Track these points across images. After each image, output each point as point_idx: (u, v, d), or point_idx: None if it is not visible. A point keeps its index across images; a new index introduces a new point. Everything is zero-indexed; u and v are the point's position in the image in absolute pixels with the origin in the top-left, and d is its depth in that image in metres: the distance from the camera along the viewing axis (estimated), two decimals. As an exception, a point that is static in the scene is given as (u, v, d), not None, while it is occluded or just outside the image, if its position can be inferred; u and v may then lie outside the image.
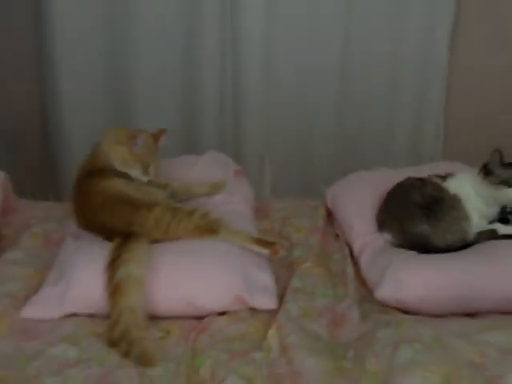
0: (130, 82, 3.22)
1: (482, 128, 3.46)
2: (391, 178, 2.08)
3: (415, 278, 1.71)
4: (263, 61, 3.21)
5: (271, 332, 1.60)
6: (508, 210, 1.92)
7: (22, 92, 3.31)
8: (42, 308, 1.68)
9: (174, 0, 3.11)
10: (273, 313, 1.70)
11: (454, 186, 1.93)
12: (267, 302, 1.73)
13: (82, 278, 1.71)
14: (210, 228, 1.84)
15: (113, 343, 1.56)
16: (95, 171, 2.00)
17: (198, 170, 2.31)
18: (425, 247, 1.83)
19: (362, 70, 3.30)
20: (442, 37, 3.26)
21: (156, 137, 2.11)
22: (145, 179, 2.03)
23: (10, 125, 3.33)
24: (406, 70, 3.32)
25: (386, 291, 1.70)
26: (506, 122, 3.48)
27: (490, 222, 1.91)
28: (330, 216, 2.26)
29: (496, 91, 3.49)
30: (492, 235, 1.86)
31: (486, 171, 1.88)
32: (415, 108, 3.41)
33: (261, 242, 1.86)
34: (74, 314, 1.68)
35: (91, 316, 1.69)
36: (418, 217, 1.87)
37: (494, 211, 1.91)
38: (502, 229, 1.87)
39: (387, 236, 1.94)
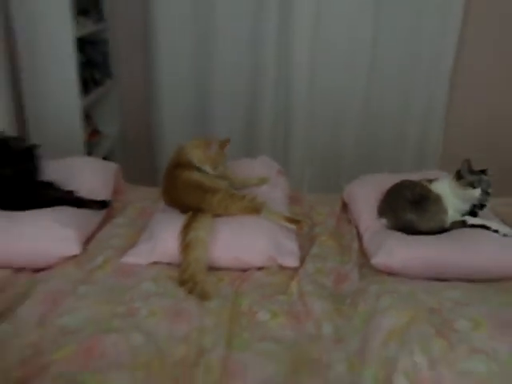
0: (209, 100, 3.29)
1: (472, 143, 3.41)
2: (392, 180, 2.08)
3: (400, 251, 1.76)
4: (307, 88, 3.24)
5: (293, 283, 1.70)
6: (476, 206, 1.93)
7: (135, 107, 3.43)
8: (136, 257, 1.80)
9: (246, 42, 3.14)
10: (295, 270, 1.79)
11: (436, 187, 1.93)
12: (292, 261, 1.82)
13: (164, 238, 1.81)
14: (255, 208, 1.92)
15: (182, 283, 1.68)
16: (179, 165, 2.08)
17: (251, 168, 2.35)
18: (411, 231, 1.87)
19: (380, 92, 3.30)
20: (444, 68, 3.24)
21: (223, 143, 2.14)
22: (212, 172, 2.09)
23: (127, 132, 3.48)
24: (413, 96, 3.31)
25: (378, 259, 1.77)
26: (492, 138, 3.49)
27: (463, 215, 1.92)
28: (345, 206, 2.26)
29: (489, 114, 3.45)
30: (462, 225, 1.89)
31: (458, 176, 1.90)
32: (420, 126, 3.39)
33: (290, 219, 1.94)
34: (157, 262, 1.80)
35: (168, 264, 1.80)
36: (408, 208, 1.90)
37: (465, 207, 1.92)
38: (471, 220, 1.90)
39: (384, 221, 1.96)
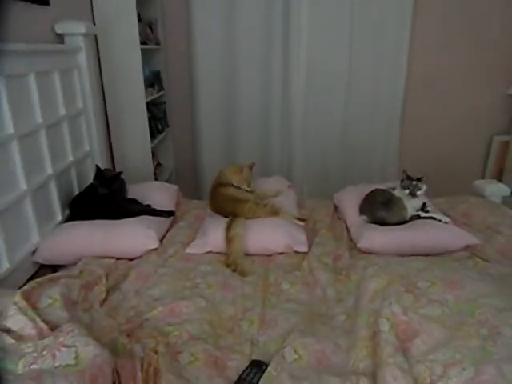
0: (234, 139, 3.33)
1: (421, 157, 3.39)
2: (367, 189, 2.11)
3: (377, 237, 1.81)
4: (303, 126, 3.26)
5: (305, 262, 1.75)
6: (424, 204, 1.98)
7: (184, 147, 3.48)
8: (195, 248, 1.84)
9: (259, 86, 3.17)
10: (305, 253, 1.82)
11: (397, 192, 1.98)
12: (303, 247, 1.85)
13: (214, 234, 1.86)
14: (274, 212, 1.96)
15: (227, 265, 1.73)
16: (220, 184, 2.14)
17: (269, 184, 2.37)
18: (383, 223, 1.91)
19: (355, 118, 3.29)
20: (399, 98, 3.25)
21: (250, 166, 2.19)
22: (248, 189, 2.13)
23: (179, 164, 3.54)
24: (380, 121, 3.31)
25: (363, 243, 1.81)
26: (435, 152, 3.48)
27: (417, 211, 1.95)
28: (336, 208, 2.28)
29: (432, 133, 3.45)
30: (417, 217, 1.93)
31: (401, 182, 1.97)
32: (383, 141, 3.37)
33: (300, 218, 1.99)
34: (210, 252, 1.84)
35: (218, 253, 1.83)
36: (380, 208, 1.94)
37: (417, 205, 1.96)
38: (422, 214, 1.94)
39: (364, 217, 2.00)
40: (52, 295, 1.24)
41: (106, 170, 2.13)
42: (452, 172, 3.48)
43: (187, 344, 1.28)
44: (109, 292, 1.54)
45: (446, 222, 1.89)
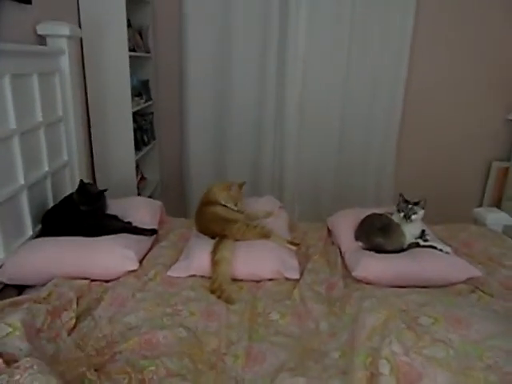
0: (225, 154, 3.26)
1: (417, 180, 3.38)
2: (362, 213, 2.03)
3: (373, 266, 1.73)
4: (296, 144, 3.23)
5: (295, 290, 1.66)
6: (423, 231, 1.93)
7: (171, 160, 3.40)
8: (178, 271, 1.75)
9: (253, 100, 3.11)
10: (297, 281, 1.74)
11: (395, 218, 1.92)
12: (294, 274, 1.76)
13: (198, 257, 1.77)
14: (265, 234, 1.89)
15: (212, 291, 1.63)
16: (208, 202, 2.07)
17: (260, 204, 2.30)
18: (380, 250, 1.83)
19: (351, 136, 3.25)
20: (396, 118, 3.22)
21: (241, 185, 2.13)
22: (235, 208, 2.06)
23: (164, 178, 3.46)
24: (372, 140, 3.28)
25: (358, 272, 1.72)
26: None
27: (416, 238, 1.89)
28: (329, 232, 2.21)
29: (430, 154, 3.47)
30: (416, 245, 1.87)
31: (396, 205, 1.93)
32: (378, 174, 3.37)
33: (291, 242, 1.92)
34: (194, 275, 1.74)
35: (202, 276, 1.74)
36: (377, 234, 1.87)
37: (416, 232, 1.90)
38: (422, 242, 1.88)
39: (360, 243, 1.92)
40: (12, 322, 1.13)
41: (87, 184, 2.04)
42: (449, 196, 3.46)
43: (164, 381, 1.19)
44: (79, 318, 1.43)
45: (447, 252, 1.84)
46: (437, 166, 3.45)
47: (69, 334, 1.33)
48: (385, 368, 1.16)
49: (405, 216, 1.88)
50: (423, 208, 1.90)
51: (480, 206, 3.49)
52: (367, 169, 3.38)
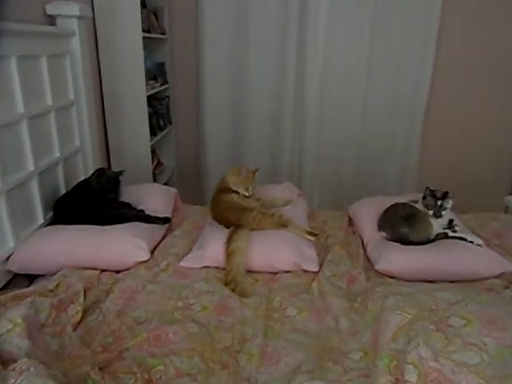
0: (242, 139, 3.16)
1: (442, 165, 3.26)
2: (384, 201, 1.94)
3: (397, 259, 1.63)
4: (317, 128, 3.11)
5: (314, 284, 1.57)
6: (451, 221, 1.82)
7: (187, 145, 3.32)
8: (191, 262, 1.68)
9: (270, 91, 2.99)
10: (315, 273, 1.65)
11: (421, 206, 1.80)
12: (312, 266, 1.67)
13: (212, 247, 1.70)
14: (283, 224, 1.79)
15: (226, 283, 1.56)
16: (223, 190, 1.98)
17: (278, 191, 2.19)
18: (405, 241, 1.72)
19: (374, 121, 3.12)
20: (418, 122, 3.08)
21: (254, 172, 2.03)
22: (246, 194, 1.96)
23: (181, 163, 3.38)
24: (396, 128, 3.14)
25: (381, 265, 1.63)
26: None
27: (444, 229, 1.78)
28: (350, 221, 2.10)
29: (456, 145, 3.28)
30: (445, 236, 1.75)
31: (423, 199, 1.80)
32: (402, 160, 3.22)
33: (310, 233, 1.80)
34: (207, 266, 1.67)
35: (216, 267, 1.67)
36: (402, 223, 1.75)
37: (443, 222, 1.78)
38: (451, 233, 1.76)
39: (383, 233, 1.82)
40: (13, 318, 1.07)
41: (104, 169, 1.99)
42: (476, 184, 3.27)
43: (172, 382, 1.11)
44: (87, 311, 1.37)
45: (478, 245, 1.70)
46: (463, 153, 3.26)
47: (75, 329, 1.27)
48: (411, 374, 1.05)
49: (435, 214, 1.75)
50: (451, 199, 1.76)
51: (511, 193, 3.29)
52: (390, 155, 3.22)
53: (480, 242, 1.72)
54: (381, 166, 3.24)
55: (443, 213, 1.76)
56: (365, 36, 2.90)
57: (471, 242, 1.72)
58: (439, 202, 1.75)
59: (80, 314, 1.31)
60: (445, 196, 1.76)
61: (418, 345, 1.11)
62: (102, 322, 1.33)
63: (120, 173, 1.95)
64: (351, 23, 2.88)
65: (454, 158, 3.28)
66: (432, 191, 1.78)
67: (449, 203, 1.76)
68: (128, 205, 1.92)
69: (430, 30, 2.88)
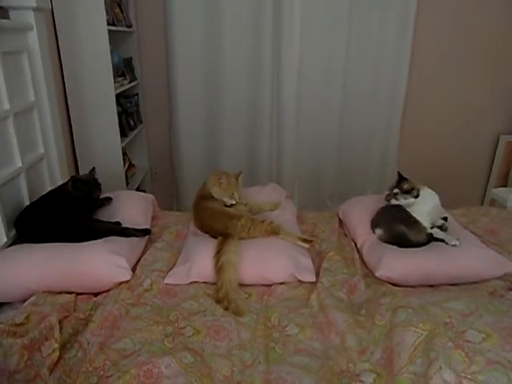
0: (217, 139, 2.99)
1: (421, 158, 3.20)
2: (373, 200, 1.90)
3: (399, 264, 1.52)
4: (295, 125, 2.97)
5: (312, 296, 1.45)
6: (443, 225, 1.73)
7: (160, 145, 3.14)
8: (177, 278, 1.55)
9: (245, 66, 2.81)
10: (312, 284, 1.53)
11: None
12: (309, 276, 1.56)
13: (200, 260, 1.56)
14: (274, 231, 1.67)
15: (218, 301, 1.43)
16: (205, 196, 1.85)
17: (264, 194, 2.07)
18: (403, 242, 1.63)
19: (352, 115, 3.03)
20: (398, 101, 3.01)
21: (237, 176, 1.89)
22: (233, 202, 1.83)
23: (154, 164, 3.20)
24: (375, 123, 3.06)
25: (381, 272, 1.52)
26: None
27: (432, 228, 1.68)
28: (341, 222, 2.01)
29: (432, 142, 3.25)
30: (431, 237, 1.66)
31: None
32: (381, 154, 3.16)
33: (303, 239, 1.69)
34: (195, 282, 1.54)
35: (205, 283, 1.54)
36: (399, 221, 1.66)
37: (434, 219, 1.71)
38: (435, 234, 1.67)
39: (379, 231, 1.71)
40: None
41: (77, 176, 1.83)
42: (456, 175, 3.27)
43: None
44: (64, 347, 1.19)
45: (453, 245, 1.61)
46: (442, 141, 3.22)
47: (52, 371, 1.09)
48: (438, 403, 0.95)
49: (386, 199, 1.75)
50: (416, 197, 1.70)
51: (487, 183, 3.31)
52: (370, 150, 3.15)
53: (456, 242, 1.62)
54: (360, 162, 3.17)
55: (403, 201, 1.71)
56: (341, 31, 2.79)
57: (446, 243, 1.63)
58: (395, 190, 1.72)
59: (57, 353, 1.13)
60: (408, 192, 1.71)
61: (441, 368, 1.01)
62: (82, 359, 1.15)
63: (93, 172, 1.83)
64: (327, 13, 2.76)
65: (433, 152, 3.24)
66: (400, 179, 1.75)
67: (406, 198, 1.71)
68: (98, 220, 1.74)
69: (407, 18, 2.80)
